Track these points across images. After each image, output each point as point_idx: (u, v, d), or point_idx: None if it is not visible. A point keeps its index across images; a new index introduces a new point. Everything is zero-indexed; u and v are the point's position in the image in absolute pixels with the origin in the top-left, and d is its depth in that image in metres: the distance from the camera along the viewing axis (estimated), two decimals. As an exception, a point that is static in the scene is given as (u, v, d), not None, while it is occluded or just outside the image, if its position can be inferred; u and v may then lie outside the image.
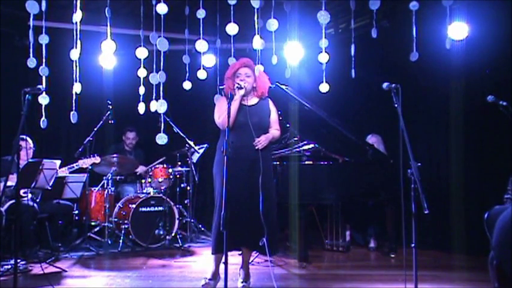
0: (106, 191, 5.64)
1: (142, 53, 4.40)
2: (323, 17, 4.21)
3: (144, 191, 5.86)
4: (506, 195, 3.27)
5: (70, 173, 5.24)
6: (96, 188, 5.82)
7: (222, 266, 3.59)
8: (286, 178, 4.86)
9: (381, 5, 4.26)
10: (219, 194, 3.76)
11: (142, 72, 4.51)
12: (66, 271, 4.46)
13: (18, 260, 3.75)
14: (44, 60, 4.20)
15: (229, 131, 3.77)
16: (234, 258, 4.33)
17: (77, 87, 4.32)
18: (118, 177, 6.12)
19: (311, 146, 5.29)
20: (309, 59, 5.29)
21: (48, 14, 4.21)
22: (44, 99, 4.21)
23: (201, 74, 4.91)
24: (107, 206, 5.56)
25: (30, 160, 4.47)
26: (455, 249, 5.09)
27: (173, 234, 5.65)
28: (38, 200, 4.97)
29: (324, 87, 4.60)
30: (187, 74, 4.83)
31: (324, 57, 4.51)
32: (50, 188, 4.65)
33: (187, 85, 4.86)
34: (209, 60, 5.93)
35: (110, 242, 5.64)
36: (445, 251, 5.22)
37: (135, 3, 4.77)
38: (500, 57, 4.85)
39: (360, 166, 5.13)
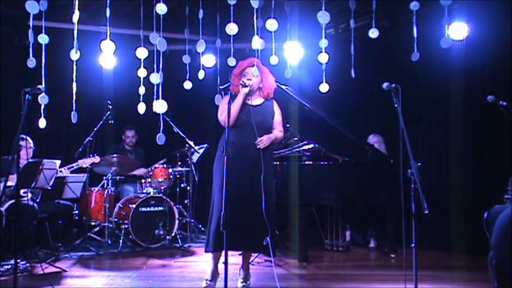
0: (106, 191, 5.64)
1: (142, 53, 4.40)
2: (323, 17, 4.21)
3: (144, 191, 5.86)
4: (506, 195, 3.27)
5: (70, 172, 5.24)
6: (96, 188, 5.82)
7: (221, 266, 3.59)
8: (286, 178, 4.87)
9: (381, 5, 4.27)
10: (217, 191, 3.77)
11: (142, 72, 4.51)
12: (66, 271, 4.46)
13: (18, 260, 3.75)
14: (44, 60, 4.20)
15: (229, 130, 3.79)
16: (234, 258, 4.33)
17: (75, 87, 4.32)
18: (118, 177, 6.12)
19: (311, 146, 5.29)
20: (309, 59, 5.29)
21: (48, 14, 4.21)
22: (44, 99, 4.21)
23: (201, 74, 4.92)
24: (107, 206, 5.56)
25: (30, 160, 4.47)
26: (455, 249, 5.09)
27: (173, 234, 5.65)
28: (38, 200, 4.97)
29: (324, 87, 4.60)
30: (188, 74, 4.84)
31: (323, 57, 4.51)
32: (50, 188, 4.65)
33: (187, 85, 4.86)
34: (209, 60, 5.94)
35: (110, 242, 5.64)
36: (445, 251, 5.22)
37: (135, 3, 4.77)
38: (500, 57, 4.85)
39: (360, 166, 5.13)
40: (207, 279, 3.84)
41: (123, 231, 5.50)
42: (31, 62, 4.21)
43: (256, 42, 4.18)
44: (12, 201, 4.60)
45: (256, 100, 3.92)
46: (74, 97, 4.27)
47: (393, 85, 3.32)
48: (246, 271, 3.97)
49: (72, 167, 5.27)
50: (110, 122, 5.66)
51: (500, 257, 2.46)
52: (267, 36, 4.41)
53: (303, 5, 5.34)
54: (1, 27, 5.78)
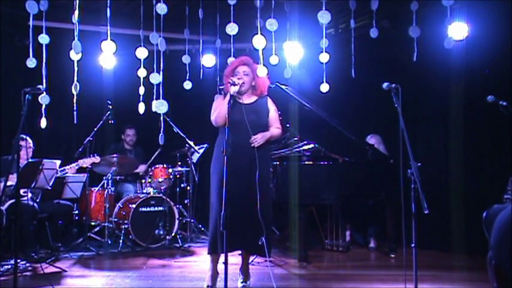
0: (106, 191, 5.64)
1: (142, 53, 4.40)
2: (323, 17, 4.21)
3: (144, 191, 5.86)
4: (506, 195, 3.27)
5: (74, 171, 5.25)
6: (96, 188, 5.82)
7: (221, 266, 3.59)
8: (286, 178, 4.86)
9: (381, 5, 4.27)
10: (215, 192, 3.75)
11: (142, 72, 4.51)
12: (66, 271, 4.46)
13: (18, 260, 3.75)
14: (44, 60, 4.20)
15: (229, 130, 3.79)
16: (234, 258, 4.33)
17: (75, 88, 4.32)
18: (118, 177, 6.12)
19: (311, 146, 5.29)
20: (309, 59, 5.29)
21: (48, 14, 4.21)
22: (44, 99, 4.21)
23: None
24: (107, 206, 5.56)
25: (30, 160, 4.47)
26: (455, 249, 5.09)
27: (173, 234, 5.65)
28: (38, 200, 4.98)
29: (324, 87, 4.60)
30: (187, 74, 4.84)
31: (324, 57, 4.51)
32: (50, 188, 4.66)
33: (187, 85, 4.86)
34: (209, 60, 5.94)
35: (110, 242, 5.64)
36: (445, 251, 5.22)
37: (135, 3, 4.78)
38: (500, 57, 4.85)
39: (360, 166, 5.12)
40: (208, 286, 3.83)
41: (123, 231, 5.50)
42: (31, 62, 4.22)
43: (259, 42, 4.18)
44: (12, 201, 4.60)
45: (250, 98, 3.86)
46: (75, 98, 4.27)
47: (393, 85, 3.32)
48: (246, 272, 3.97)
49: (72, 166, 5.27)
50: (110, 122, 5.66)
51: (500, 257, 2.46)
52: (267, 36, 4.41)
53: (303, 5, 5.34)
54: (1, 27, 5.78)
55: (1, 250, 4.39)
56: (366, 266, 4.95)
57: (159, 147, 6.09)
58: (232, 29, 4.35)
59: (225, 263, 3.19)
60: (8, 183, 4.04)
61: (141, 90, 4.47)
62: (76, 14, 4.11)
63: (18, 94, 3.37)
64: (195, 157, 6.10)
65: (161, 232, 5.55)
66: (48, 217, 5.15)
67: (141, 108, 4.48)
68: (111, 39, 4.35)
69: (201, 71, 4.86)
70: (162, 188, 5.86)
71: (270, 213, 3.85)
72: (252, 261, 4.77)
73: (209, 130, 6.02)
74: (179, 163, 6.20)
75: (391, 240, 5.21)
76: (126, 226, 5.46)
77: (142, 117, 4.61)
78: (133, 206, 5.48)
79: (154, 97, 4.35)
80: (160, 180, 5.86)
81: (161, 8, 4.27)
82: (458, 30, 4.50)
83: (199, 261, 4.97)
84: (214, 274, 3.88)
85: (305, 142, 5.33)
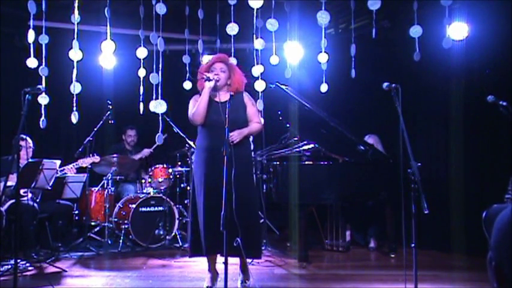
0: (106, 191, 5.64)
1: (142, 53, 4.41)
2: (323, 17, 4.21)
3: (144, 191, 5.86)
4: (506, 195, 3.26)
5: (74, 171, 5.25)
6: (96, 188, 5.82)
7: (221, 266, 3.59)
8: (286, 178, 4.86)
9: (381, 5, 4.27)
10: (197, 195, 3.73)
11: (142, 72, 4.51)
12: (66, 271, 4.46)
13: (18, 260, 3.75)
14: (44, 60, 4.20)
15: (202, 131, 3.77)
16: (234, 258, 4.31)
17: (76, 88, 4.32)
18: (118, 177, 6.12)
19: (311, 146, 5.29)
20: (309, 59, 5.29)
21: (48, 14, 4.22)
22: (44, 99, 4.21)
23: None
24: (107, 206, 5.56)
25: (30, 160, 4.47)
26: (455, 249, 5.09)
27: (173, 234, 5.65)
28: (38, 200, 4.98)
29: (323, 87, 4.61)
30: (187, 74, 4.84)
31: (323, 57, 4.51)
32: (50, 188, 4.66)
33: (187, 85, 4.86)
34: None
35: (110, 242, 5.64)
36: (445, 251, 5.22)
37: (135, 3, 4.78)
38: (500, 57, 4.85)
39: (360, 166, 5.12)
40: (208, 286, 3.83)
41: (123, 231, 5.50)
42: (31, 62, 4.22)
43: (258, 43, 4.19)
44: (12, 201, 4.60)
45: (225, 96, 3.71)
46: (75, 98, 4.27)
47: (393, 85, 3.32)
48: (245, 272, 3.95)
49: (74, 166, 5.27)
50: (110, 122, 5.66)
51: (500, 258, 2.46)
52: (267, 36, 4.42)
53: (303, 5, 5.35)
54: (1, 27, 5.78)
55: (1, 250, 4.38)
56: (366, 266, 4.95)
57: (161, 153, 6.11)
58: (232, 29, 4.36)
59: (225, 263, 3.18)
60: (8, 183, 4.04)
61: (141, 90, 4.47)
62: (76, 13, 4.12)
63: (18, 94, 3.37)
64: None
65: (161, 232, 5.55)
66: (48, 217, 5.15)
67: (141, 108, 4.48)
68: (111, 39, 4.36)
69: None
70: (162, 188, 5.86)
71: (254, 213, 3.76)
72: (252, 261, 4.78)
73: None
74: (179, 163, 6.19)
75: (391, 240, 5.21)
76: (126, 226, 5.46)
77: (143, 117, 4.62)
78: (133, 206, 5.48)
79: (154, 97, 4.35)
80: (160, 180, 5.85)
81: (160, 8, 4.27)
82: (458, 30, 4.50)
83: (199, 261, 4.93)
84: (214, 274, 3.88)
85: (305, 142, 5.33)
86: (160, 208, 5.63)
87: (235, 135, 3.64)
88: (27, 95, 3.34)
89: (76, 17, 4.18)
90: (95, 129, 5.54)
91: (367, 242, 5.62)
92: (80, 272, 4.52)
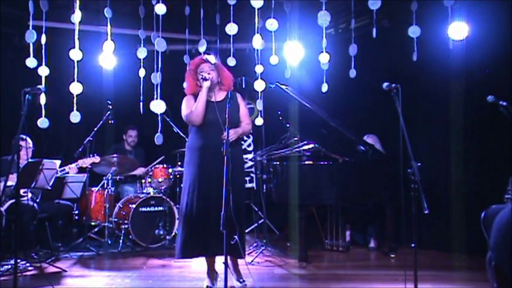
0: (106, 191, 5.64)
1: (142, 53, 4.41)
2: (323, 17, 4.21)
3: (144, 191, 5.86)
4: (506, 195, 3.27)
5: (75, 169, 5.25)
6: (96, 188, 5.82)
7: (221, 266, 3.59)
8: (286, 178, 4.86)
9: (381, 5, 4.27)
10: (185, 195, 3.73)
11: (142, 72, 4.51)
12: (66, 271, 4.46)
13: (18, 260, 3.75)
14: (44, 60, 4.20)
15: (197, 130, 3.77)
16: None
17: (76, 88, 4.32)
18: (118, 177, 6.12)
19: (311, 146, 5.29)
20: (309, 59, 5.29)
21: (48, 14, 4.22)
22: (44, 99, 4.20)
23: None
24: (107, 206, 5.56)
25: (30, 160, 4.47)
26: (455, 249, 5.09)
27: (173, 234, 5.65)
28: (38, 200, 4.97)
29: (324, 87, 4.61)
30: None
31: (324, 57, 4.51)
32: (50, 188, 4.66)
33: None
34: (209, 60, 5.92)
35: (110, 242, 5.64)
36: (445, 251, 5.22)
37: (135, 3, 4.78)
38: (500, 57, 4.85)
39: (360, 166, 5.12)
40: (208, 286, 3.84)
41: (123, 231, 5.50)
42: (31, 62, 4.22)
43: (257, 42, 4.19)
44: (12, 201, 4.60)
45: (219, 95, 3.81)
46: (75, 98, 4.27)
47: (393, 85, 3.32)
48: (237, 272, 3.94)
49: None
50: (110, 122, 5.66)
51: (499, 258, 2.46)
52: (267, 36, 4.42)
53: (303, 5, 5.35)
54: (1, 27, 5.78)
55: (1, 250, 4.39)
56: (366, 266, 4.95)
57: (162, 153, 6.10)
58: (232, 29, 4.36)
59: (225, 263, 3.19)
60: (8, 183, 4.04)
61: (141, 90, 4.47)
62: (77, 13, 4.12)
63: (18, 94, 3.37)
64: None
65: (161, 232, 5.55)
66: (48, 217, 5.15)
67: (141, 108, 4.49)
68: (111, 39, 4.36)
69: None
70: (162, 188, 5.86)
71: (243, 212, 3.79)
72: (252, 261, 4.78)
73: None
74: (179, 163, 6.19)
75: (391, 240, 5.21)
76: (126, 226, 5.46)
77: (143, 117, 4.62)
78: (133, 206, 5.48)
79: (155, 97, 4.35)
80: (160, 180, 5.85)
81: (160, 9, 4.27)
82: (458, 30, 4.50)
83: (199, 261, 4.95)
84: (213, 274, 3.88)
85: (305, 142, 5.33)
86: (160, 208, 5.64)
87: (232, 134, 3.66)
88: (27, 95, 3.35)
89: (78, 16, 4.17)
90: (95, 129, 5.53)
91: (367, 242, 5.62)
92: (80, 272, 4.52)
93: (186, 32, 4.87)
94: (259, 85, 4.61)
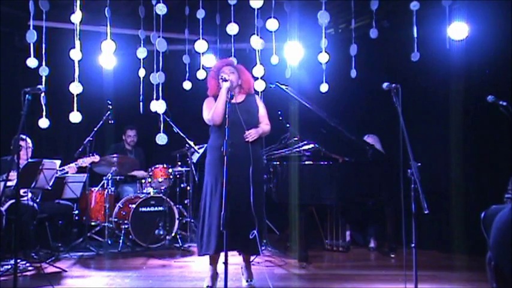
0: (106, 191, 5.64)
1: (142, 53, 4.41)
2: (323, 17, 4.22)
3: (144, 191, 5.86)
4: (506, 195, 3.27)
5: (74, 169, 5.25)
6: (96, 188, 5.82)
7: (221, 266, 3.59)
8: (286, 178, 4.86)
9: (381, 5, 4.27)
10: (208, 194, 3.77)
11: (142, 72, 4.52)
12: (66, 271, 4.46)
13: (18, 260, 3.75)
14: (44, 60, 4.21)
15: (218, 131, 3.82)
16: (235, 258, 4.33)
17: (76, 88, 4.33)
18: (118, 177, 6.12)
19: (311, 146, 5.29)
20: (309, 59, 5.30)
21: (48, 14, 4.22)
22: (44, 99, 4.21)
23: (201, 74, 4.91)
24: (107, 206, 5.56)
25: (30, 160, 4.47)
26: (455, 249, 5.09)
27: (173, 234, 5.65)
28: (38, 200, 4.98)
29: (323, 87, 4.61)
30: (187, 74, 4.84)
31: (323, 57, 4.51)
32: (50, 188, 4.65)
33: (187, 85, 4.87)
34: (209, 60, 5.94)
35: (110, 242, 5.64)
36: (445, 251, 5.22)
37: (135, 3, 4.78)
38: (500, 57, 4.85)
39: (360, 166, 5.12)
40: (208, 286, 3.84)
41: (123, 231, 5.50)
42: (31, 62, 4.22)
43: (257, 42, 4.19)
44: (12, 201, 4.60)
45: (239, 97, 3.92)
46: (75, 98, 4.28)
47: (393, 85, 3.32)
48: (249, 270, 3.97)
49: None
50: (109, 122, 5.65)
51: (499, 258, 2.46)
52: (267, 36, 4.42)
53: (303, 5, 5.35)
54: (1, 27, 5.78)
55: (1, 250, 4.38)
56: (366, 266, 4.95)
57: (161, 153, 6.10)
58: (233, 29, 4.36)
59: (225, 263, 3.19)
60: (8, 183, 4.04)
61: (141, 90, 4.48)
62: (77, 13, 4.12)
63: (18, 94, 3.37)
64: (195, 157, 6.10)
65: (161, 232, 5.55)
66: (48, 217, 5.15)
67: (141, 108, 4.49)
68: (111, 39, 4.36)
69: (205, 73, 4.86)
70: (162, 188, 5.86)
71: (263, 208, 3.87)
72: (252, 260, 4.78)
73: (209, 130, 6.03)
74: (179, 163, 6.20)
75: (391, 240, 5.21)
76: (126, 226, 5.46)
77: (143, 117, 4.62)
78: (133, 206, 5.48)
79: (154, 97, 4.36)
80: (160, 180, 5.85)
81: (160, 9, 4.27)
82: (458, 30, 4.50)
83: (199, 261, 4.96)
84: (214, 274, 3.88)
85: (305, 142, 5.33)
86: (160, 208, 5.63)
87: (253, 133, 3.79)
88: (27, 95, 3.35)
89: (78, 16, 4.18)
90: (95, 129, 5.53)
91: (367, 242, 5.62)
92: (80, 272, 4.52)
93: (185, 32, 4.87)
94: (259, 85, 4.61)
